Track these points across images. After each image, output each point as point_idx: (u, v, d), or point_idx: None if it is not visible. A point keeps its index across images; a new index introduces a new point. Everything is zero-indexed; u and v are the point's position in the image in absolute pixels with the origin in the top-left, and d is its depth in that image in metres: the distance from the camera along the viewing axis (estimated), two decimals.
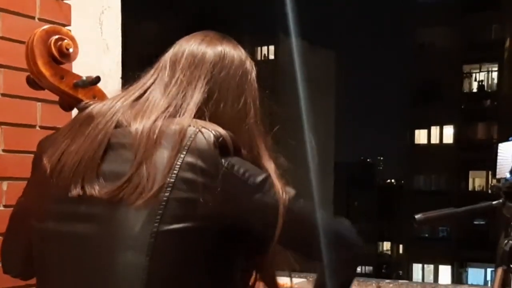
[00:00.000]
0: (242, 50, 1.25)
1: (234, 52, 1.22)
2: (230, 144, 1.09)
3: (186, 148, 1.06)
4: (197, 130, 1.08)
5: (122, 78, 2.12)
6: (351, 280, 1.21)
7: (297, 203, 1.11)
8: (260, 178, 1.09)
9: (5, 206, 1.79)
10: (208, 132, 1.08)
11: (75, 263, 1.09)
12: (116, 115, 1.14)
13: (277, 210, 1.07)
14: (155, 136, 1.08)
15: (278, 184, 1.10)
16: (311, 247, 1.11)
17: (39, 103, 1.88)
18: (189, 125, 1.09)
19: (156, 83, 1.18)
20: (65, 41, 1.27)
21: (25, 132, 1.85)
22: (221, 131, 1.09)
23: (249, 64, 1.24)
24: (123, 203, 1.05)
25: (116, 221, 1.06)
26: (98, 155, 1.10)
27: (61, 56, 1.26)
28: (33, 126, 1.89)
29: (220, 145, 1.07)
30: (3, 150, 1.81)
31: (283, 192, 1.09)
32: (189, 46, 1.21)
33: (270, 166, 1.15)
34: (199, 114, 1.14)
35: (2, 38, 1.81)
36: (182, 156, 1.05)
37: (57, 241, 1.12)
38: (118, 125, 1.13)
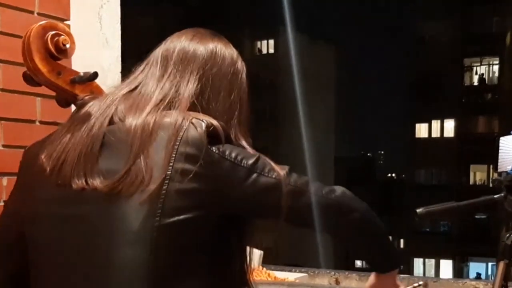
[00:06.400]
0: (234, 49, 1.25)
1: (225, 50, 1.23)
2: (221, 133, 1.10)
3: (179, 139, 1.07)
4: (189, 121, 1.09)
5: (122, 72, 2.11)
6: (380, 245, 1.23)
7: (293, 176, 1.12)
8: (252, 159, 1.10)
9: (5, 201, 1.79)
10: (199, 121, 1.09)
11: (76, 261, 1.08)
12: (109, 109, 1.14)
13: (276, 188, 1.09)
14: (150, 129, 1.08)
15: (270, 161, 1.12)
16: (314, 218, 1.12)
17: (39, 98, 1.87)
18: (183, 118, 1.09)
19: (148, 77, 1.19)
20: (62, 36, 1.26)
21: (25, 128, 1.85)
22: (213, 120, 1.10)
23: (240, 63, 1.24)
24: (122, 197, 1.05)
25: (116, 216, 1.06)
26: (95, 149, 1.10)
27: (58, 52, 1.25)
28: (33, 122, 1.88)
29: (211, 134, 1.08)
30: (3, 146, 1.81)
31: (278, 168, 1.11)
32: (181, 42, 1.21)
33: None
34: (192, 108, 1.14)
35: (1, 33, 1.80)
36: (176, 147, 1.06)
37: (57, 241, 1.11)
38: (112, 121, 1.13)
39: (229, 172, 1.08)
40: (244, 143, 1.18)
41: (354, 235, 1.19)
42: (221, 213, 1.08)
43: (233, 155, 1.09)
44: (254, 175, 1.09)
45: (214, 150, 1.08)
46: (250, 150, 1.17)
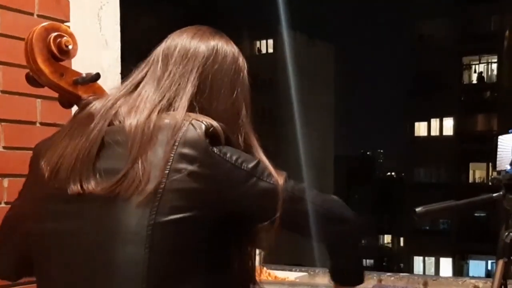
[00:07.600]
0: (235, 46, 1.25)
1: (226, 47, 1.22)
2: (221, 134, 1.10)
3: (178, 140, 1.07)
4: (188, 122, 1.09)
5: (122, 73, 2.11)
6: (355, 259, 1.26)
7: (290, 183, 1.13)
8: (252, 163, 1.11)
9: (6, 203, 1.79)
10: (199, 122, 1.09)
11: (75, 261, 1.09)
12: (109, 112, 1.14)
13: (274, 193, 1.10)
14: (149, 132, 1.08)
15: (270, 167, 1.13)
16: (308, 225, 1.14)
17: (39, 100, 1.88)
18: (183, 119, 1.10)
19: (149, 77, 1.19)
20: (64, 38, 1.27)
21: (25, 129, 1.85)
22: (212, 122, 1.10)
23: (241, 61, 1.24)
24: (119, 199, 1.06)
25: (114, 217, 1.06)
26: (92, 153, 1.10)
27: (60, 53, 1.26)
28: (33, 123, 1.89)
29: (211, 135, 1.09)
30: (4, 147, 1.81)
31: (276, 174, 1.12)
32: (182, 40, 1.21)
33: (262, 156, 1.17)
34: (192, 108, 1.15)
35: (1, 35, 1.80)
36: (174, 148, 1.06)
37: (56, 241, 1.12)
38: (112, 122, 1.13)
39: (229, 174, 1.08)
40: (255, 142, 1.19)
41: (339, 244, 1.21)
42: (218, 215, 1.08)
43: (234, 157, 1.09)
44: (253, 179, 1.10)
45: (214, 151, 1.08)
46: (258, 150, 1.18)
